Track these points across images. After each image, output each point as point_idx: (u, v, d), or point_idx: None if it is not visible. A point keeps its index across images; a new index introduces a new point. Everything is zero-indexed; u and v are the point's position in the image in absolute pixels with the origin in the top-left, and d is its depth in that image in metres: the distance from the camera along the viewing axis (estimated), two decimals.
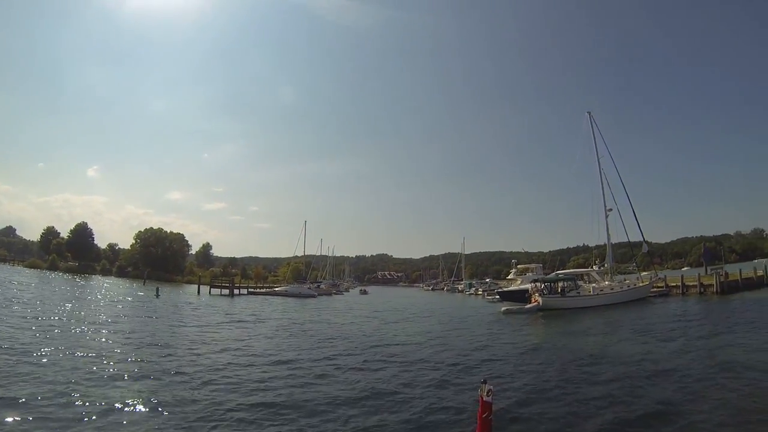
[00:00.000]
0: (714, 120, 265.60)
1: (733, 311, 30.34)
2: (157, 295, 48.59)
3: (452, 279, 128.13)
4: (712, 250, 67.06)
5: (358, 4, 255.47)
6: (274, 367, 15.00)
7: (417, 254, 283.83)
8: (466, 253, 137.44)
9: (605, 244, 46.55)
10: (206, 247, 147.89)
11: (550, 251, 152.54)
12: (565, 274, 45.41)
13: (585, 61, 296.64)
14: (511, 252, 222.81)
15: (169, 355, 16.42)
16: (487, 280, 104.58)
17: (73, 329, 21.26)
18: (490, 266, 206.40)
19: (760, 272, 46.11)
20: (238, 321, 30.97)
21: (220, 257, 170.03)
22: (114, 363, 14.18)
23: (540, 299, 37.79)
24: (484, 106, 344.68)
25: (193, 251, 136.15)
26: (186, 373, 13.32)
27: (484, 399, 6.97)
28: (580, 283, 42.34)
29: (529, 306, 37.16)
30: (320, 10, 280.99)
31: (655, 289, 44.46)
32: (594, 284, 41.65)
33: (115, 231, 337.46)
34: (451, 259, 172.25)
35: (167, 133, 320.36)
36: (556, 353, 18.07)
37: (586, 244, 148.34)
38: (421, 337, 24.14)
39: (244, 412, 9.86)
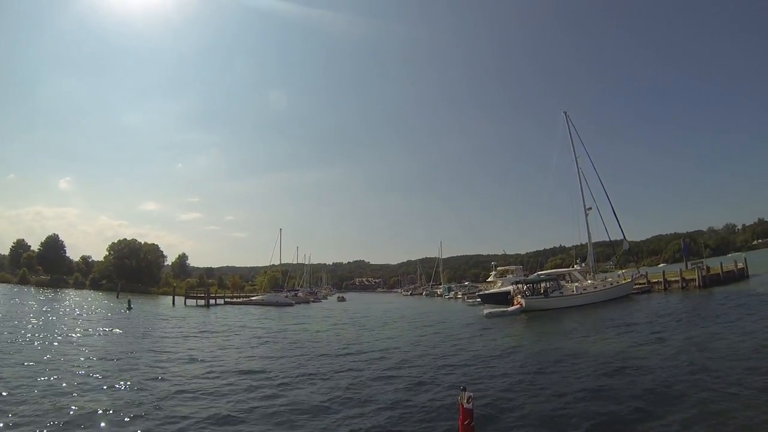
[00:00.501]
0: (685, 119, 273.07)
1: (716, 305, 29.68)
2: (129, 308, 46.95)
3: (430, 283, 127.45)
4: (690, 246, 67.23)
5: (333, 14, 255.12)
6: (239, 377, 14.36)
7: (394, 260, 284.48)
8: (444, 257, 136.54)
9: (585, 244, 46.10)
10: (182, 258, 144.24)
11: (527, 253, 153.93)
12: (546, 274, 44.66)
13: (558, 66, 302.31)
14: (488, 255, 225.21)
15: (131, 369, 15.52)
16: (466, 283, 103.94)
17: (34, 344, 20.47)
18: (467, 270, 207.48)
19: (740, 265, 45.95)
20: (211, 332, 29.76)
21: (197, 267, 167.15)
22: (69, 376, 13.70)
23: (523, 301, 36.97)
24: (459, 113, 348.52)
25: (168, 262, 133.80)
26: (145, 387, 12.68)
27: (464, 406, 6.95)
28: (563, 283, 41.66)
29: (512, 308, 36.21)
30: (294, 21, 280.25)
31: (637, 286, 43.98)
32: (576, 284, 40.98)
33: (89, 243, 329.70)
34: (428, 263, 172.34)
35: (141, 143, 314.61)
36: (538, 356, 17.33)
37: (563, 245, 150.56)
38: (400, 341, 23.31)
39: (198, 425, 9.49)
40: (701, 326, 20.99)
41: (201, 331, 29.66)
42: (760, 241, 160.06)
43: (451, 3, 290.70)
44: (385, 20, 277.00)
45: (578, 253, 49.12)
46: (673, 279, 45.16)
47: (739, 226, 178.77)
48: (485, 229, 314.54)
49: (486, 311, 35.67)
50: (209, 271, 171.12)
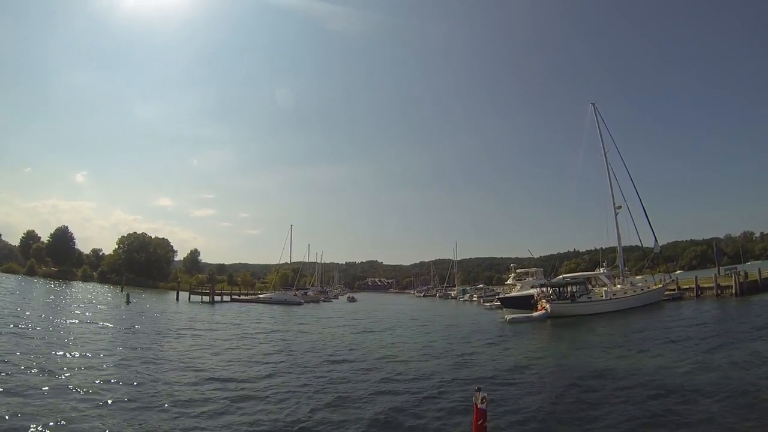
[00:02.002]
0: (701, 122, 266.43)
1: (759, 315, 26.94)
2: (128, 302, 45.55)
3: (444, 285, 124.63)
4: (723, 251, 63.69)
5: (350, 10, 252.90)
6: (190, 386, 12.56)
7: (407, 261, 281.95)
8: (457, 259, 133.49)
9: (607, 247, 43.60)
10: (194, 254, 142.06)
11: (540, 256, 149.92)
12: (573, 277, 41.70)
13: (577, 66, 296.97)
14: (502, 258, 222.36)
15: (93, 368, 14.24)
16: (480, 285, 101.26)
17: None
18: (481, 272, 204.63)
19: None
20: (199, 330, 28.19)
21: (210, 264, 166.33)
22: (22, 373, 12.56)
23: (548, 306, 34.32)
24: (472, 110, 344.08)
25: (180, 258, 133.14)
26: (102, 390, 11.49)
27: (478, 406, 6.88)
28: (590, 287, 38.76)
29: (537, 314, 33.58)
30: (311, 15, 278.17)
31: (667, 293, 41.43)
32: (605, 288, 38.04)
33: (104, 237, 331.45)
34: (441, 265, 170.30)
35: (156, 138, 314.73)
36: (575, 372, 14.83)
37: (576, 249, 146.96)
38: (406, 348, 21.18)
39: None
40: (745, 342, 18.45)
41: (188, 329, 28.23)
42: None
43: None
44: (398, 16, 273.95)
45: (598, 256, 46.26)
46: (706, 286, 42.37)
47: (757, 234, 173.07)
48: (499, 231, 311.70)
49: (509, 317, 32.99)
50: (221, 268, 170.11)
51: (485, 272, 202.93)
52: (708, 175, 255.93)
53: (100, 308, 39.35)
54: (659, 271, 47.20)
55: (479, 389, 6.91)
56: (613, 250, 47.38)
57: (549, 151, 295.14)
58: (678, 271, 46.99)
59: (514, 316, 33.17)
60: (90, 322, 27.51)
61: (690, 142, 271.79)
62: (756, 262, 61.08)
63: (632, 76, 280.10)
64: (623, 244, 43.22)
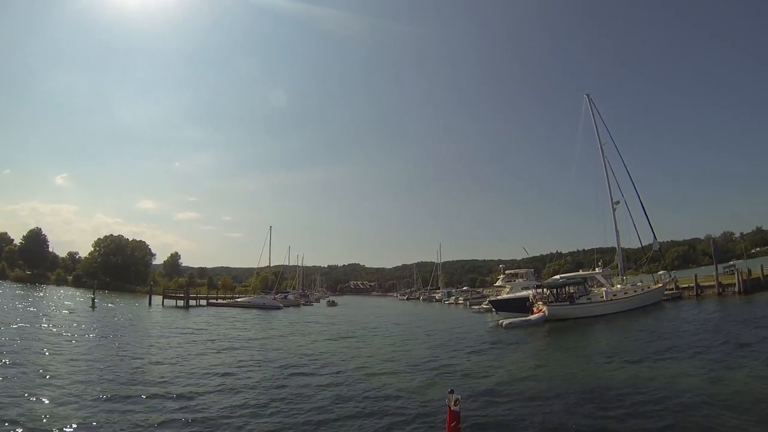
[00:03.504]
0: (677, 129, 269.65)
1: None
2: (93, 307, 43.11)
3: (428, 288, 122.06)
4: (719, 249, 61.83)
5: (338, 13, 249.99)
6: (121, 402, 10.98)
7: (389, 263, 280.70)
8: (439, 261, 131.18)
9: (606, 246, 41.38)
10: (174, 257, 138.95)
11: (523, 259, 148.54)
12: (569, 277, 39.15)
13: (549, 63, 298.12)
14: (484, 260, 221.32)
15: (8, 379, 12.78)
16: (465, 288, 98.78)
17: None
18: (464, 274, 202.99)
19: None
20: (169, 335, 26.48)
21: (191, 267, 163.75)
22: None
23: (545, 308, 31.73)
24: (450, 114, 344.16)
25: (161, 261, 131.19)
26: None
27: (452, 409, 6.80)
28: (589, 287, 36.35)
29: (534, 317, 31.17)
30: (292, 19, 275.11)
31: (666, 292, 39.75)
32: (605, 289, 35.59)
33: (85, 240, 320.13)
34: (424, 267, 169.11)
35: (139, 140, 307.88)
36: (586, 386, 12.77)
37: (559, 250, 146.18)
38: (392, 362, 18.21)
39: None
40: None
41: (146, 335, 26.48)
42: (758, 249, 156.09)
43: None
44: (384, 18, 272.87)
45: (580, 257, 44.15)
46: (707, 284, 40.55)
47: (737, 235, 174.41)
48: (480, 233, 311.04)
49: (504, 321, 30.32)
50: (202, 271, 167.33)
51: (468, 274, 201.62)
52: (687, 178, 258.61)
53: (57, 313, 36.64)
54: (644, 272, 45.39)
55: (452, 391, 6.90)
56: (605, 250, 45.50)
57: (543, 148, 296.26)
58: (660, 272, 44.80)
59: (510, 320, 30.55)
60: (37, 327, 25.70)
61: (667, 146, 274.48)
62: (739, 261, 59.89)
63: (613, 84, 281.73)
64: (619, 242, 40.85)
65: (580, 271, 46.32)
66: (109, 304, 51.16)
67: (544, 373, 15.19)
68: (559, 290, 34.86)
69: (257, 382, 14.21)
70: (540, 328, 29.25)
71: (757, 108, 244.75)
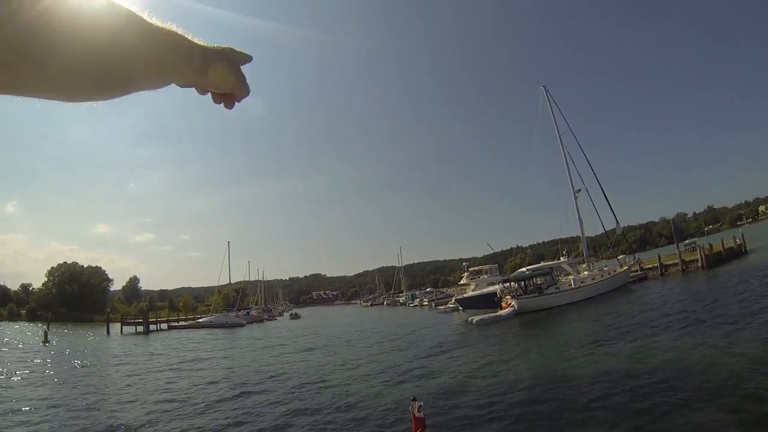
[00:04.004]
0: (624, 116, 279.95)
1: (738, 286, 25.00)
2: (45, 342, 40.26)
3: (391, 292, 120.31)
4: (681, 228, 62.88)
5: (294, 29, 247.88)
6: None
7: (351, 271, 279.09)
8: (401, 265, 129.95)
9: (560, 238, 41.17)
10: (133, 281, 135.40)
11: (484, 255, 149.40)
12: (535, 269, 38.22)
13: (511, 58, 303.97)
14: (445, 260, 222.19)
15: None
16: (429, 289, 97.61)
17: None
18: (426, 276, 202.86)
19: (738, 241, 43.95)
20: (120, 363, 25.49)
21: (151, 290, 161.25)
22: None
23: (515, 302, 30.60)
24: (397, 118, 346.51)
25: (119, 287, 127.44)
26: None
27: (416, 415, 6.84)
28: (556, 277, 35.73)
29: (505, 312, 30.15)
30: (246, 33, 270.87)
31: (632, 274, 40.03)
32: (572, 276, 34.85)
33: (39, 271, 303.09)
34: (386, 272, 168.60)
35: (91, 162, 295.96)
36: (577, 380, 11.97)
37: (519, 245, 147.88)
38: (363, 374, 16.89)
39: None
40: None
41: (98, 365, 24.99)
42: (711, 227, 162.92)
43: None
44: (335, 32, 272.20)
45: (541, 249, 43.75)
46: (670, 263, 40.74)
47: (690, 215, 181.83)
48: (439, 234, 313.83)
49: (475, 319, 29.21)
50: (163, 294, 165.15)
51: (430, 276, 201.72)
52: (639, 164, 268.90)
53: (2, 352, 34.09)
54: (605, 257, 45.31)
55: (414, 399, 7.25)
56: (567, 240, 45.26)
57: (497, 145, 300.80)
58: (621, 256, 44.96)
59: (481, 317, 29.49)
60: None
61: (616, 133, 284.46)
62: (699, 239, 61.50)
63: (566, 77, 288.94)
64: (583, 229, 40.42)
65: (542, 262, 45.68)
66: (64, 337, 48.72)
67: (520, 369, 14.30)
68: (526, 282, 34.16)
69: (210, 405, 13.39)
70: (511, 322, 28.39)
71: (701, 92, 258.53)
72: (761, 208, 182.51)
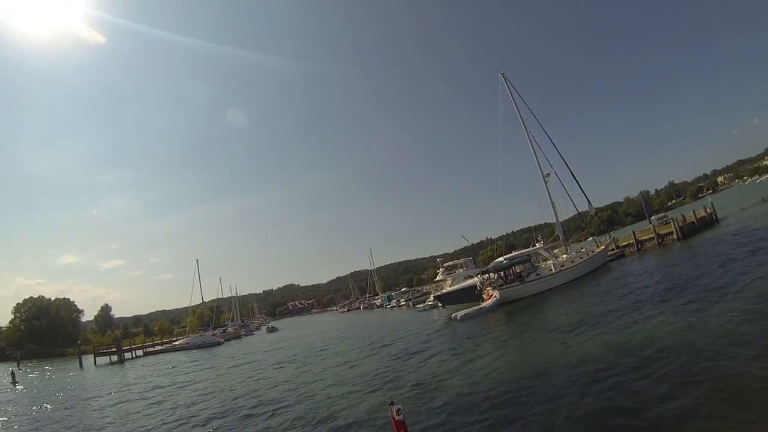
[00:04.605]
0: (587, 87, 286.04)
1: (721, 257, 23.84)
2: (14, 382, 37.69)
3: (367, 296, 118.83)
4: (649, 202, 63.51)
5: (250, 53, 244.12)
6: None
7: (324, 279, 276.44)
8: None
9: (534, 225, 40.56)
10: (105, 310, 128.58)
11: (455, 250, 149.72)
12: (512, 257, 37.40)
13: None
14: (417, 259, 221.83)
15: None
16: (404, 289, 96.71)
17: None
18: (399, 276, 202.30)
19: (709, 210, 44.05)
20: (85, 399, 23.65)
21: (125, 317, 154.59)
22: None
23: (496, 293, 29.77)
24: (374, 122, 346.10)
25: (92, 317, 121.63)
26: None
27: (395, 419, 6.77)
28: (536, 263, 35.08)
29: (488, 304, 29.35)
30: (205, 54, 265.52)
31: (609, 253, 40.09)
32: (551, 261, 34.13)
33: (5, 309, 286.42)
34: (359, 276, 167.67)
35: (50, 191, 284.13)
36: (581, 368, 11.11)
37: (489, 237, 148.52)
38: (344, 383, 16.03)
39: None
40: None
41: (65, 408, 22.19)
42: (674, 201, 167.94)
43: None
44: (293, 59, 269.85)
45: (511, 239, 43.33)
46: (645, 238, 40.98)
47: (653, 192, 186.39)
48: (408, 232, 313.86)
49: (458, 314, 28.13)
50: (137, 319, 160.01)
51: (403, 275, 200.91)
52: (601, 141, 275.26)
53: None
54: (575, 240, 45.19)
55: (392, 402, 6.96)
56: (537, 227, 44.82)
57: (462, 138, 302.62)
58: (590, 238, 45.06)
59: (464, 311, 28.53)
60: None
61: (580, 107, 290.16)
62: (659, 214, 62.76)
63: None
64: (557, 213, 39.91)
65: (513, 251, 45.02)
66: (35, 375, 46.10)
67: (517, 362, 13.50)
68: (506, 272, 33.35)
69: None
70: (495, 313, 27.57)
71: (656, 74, 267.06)
72: (720, 179, 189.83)
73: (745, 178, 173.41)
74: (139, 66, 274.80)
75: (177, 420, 14.88)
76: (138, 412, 17.58)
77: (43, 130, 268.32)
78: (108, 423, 16.49)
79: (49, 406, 23.64)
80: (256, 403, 15.20)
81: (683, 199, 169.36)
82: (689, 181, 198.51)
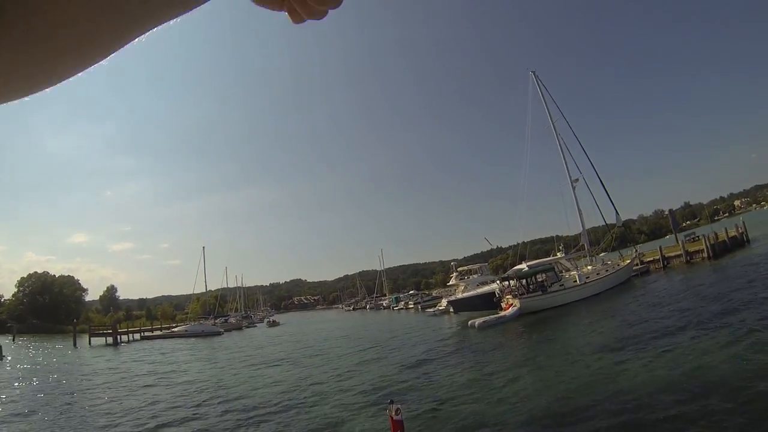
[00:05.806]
0: (606, 110, 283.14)
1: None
2: (1, 356, 37.25)
3: (374, 296, 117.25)
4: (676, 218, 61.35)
5: (266, 45, 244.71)
6: None
7: (331, 276, 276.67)
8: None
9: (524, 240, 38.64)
10: (111, 290, 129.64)
11: (465, 257, 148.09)
12: (535, 265, 35.43)
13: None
14: (426, 263, 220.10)
15: None
16: (412, 292, 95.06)
17: None
18: (407, 279, 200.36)
19: (741, 229, 42.24)
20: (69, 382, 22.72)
21: (130, 300, 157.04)
22: None
23: (517, 301, 27.86)
24: (391, 124, 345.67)
25: (97, 296, 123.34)
26: None
27: (394, 418, 6.86)
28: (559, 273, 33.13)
29: (509, 313, 27.43)
30: (223, 46, 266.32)
31: (634, 268, 38.42)
32: (576, 272, 32.19)
33: (14, 283, 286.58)
34: (366, 276, 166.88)
35: (67, 171, 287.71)
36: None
37: (500, 245, 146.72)
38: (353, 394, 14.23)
39: None
40: None
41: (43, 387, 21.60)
42: (688, 222, 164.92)
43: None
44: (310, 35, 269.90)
45: (520, 249, 41.79)
46: (673, 254, 38.55)
47: (666, 211, 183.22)
48: (419, 236, 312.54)
49: (477, 322, 26.14)
50: (142, 302, 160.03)
51: (411, 278, 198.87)
52: (616, 162, 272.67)
53: None
54: (594, 253, 43.17)
55: (392, 402, 7.27)
56: (546, 240, 42.94)
57: (479, 143, 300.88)
58: (602, 254, 42.98)
59: (483, 319, 26.61)
60: None
61: (592, 129, 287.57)
62: (686, 232, 60.83)
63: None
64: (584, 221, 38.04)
65: (523, 262, 43.06)
66: (26, 350, 45.67)
67: (548, 385, 11.90)
68: (528, 280, 31.51)
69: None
70: (516, 324, 25.73)
71: (677, 100, 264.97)
72: (737, 202, 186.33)
73: (762, 203, 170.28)
74: (164, 51, 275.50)
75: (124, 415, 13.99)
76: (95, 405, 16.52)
77: (66, 110, 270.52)
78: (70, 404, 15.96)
79: (18, 384, 23.06)
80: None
81: (698, 221, 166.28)
82: (704, 203, 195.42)
